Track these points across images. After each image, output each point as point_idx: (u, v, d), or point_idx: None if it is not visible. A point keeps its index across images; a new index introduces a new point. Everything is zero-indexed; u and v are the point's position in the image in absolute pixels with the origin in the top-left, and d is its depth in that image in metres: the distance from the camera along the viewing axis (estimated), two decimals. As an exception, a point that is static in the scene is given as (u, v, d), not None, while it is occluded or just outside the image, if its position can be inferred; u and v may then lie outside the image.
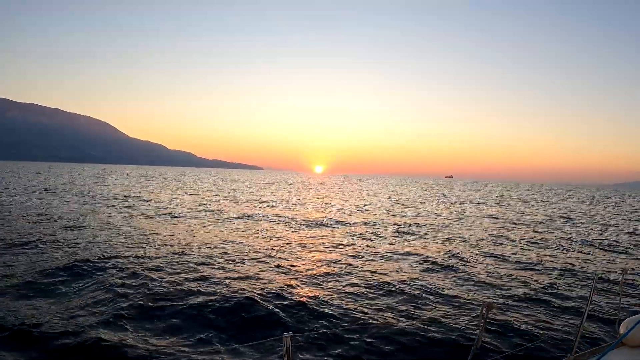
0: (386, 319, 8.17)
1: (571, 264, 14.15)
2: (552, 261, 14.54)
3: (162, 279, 10.17)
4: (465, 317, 8.34)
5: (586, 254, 16.58)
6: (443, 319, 8.17)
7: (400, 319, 8.26)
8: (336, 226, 22.32)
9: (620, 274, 4.99)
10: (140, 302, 8.53)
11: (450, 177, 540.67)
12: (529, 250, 16.97)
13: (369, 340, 7.11)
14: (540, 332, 7.73)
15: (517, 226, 25.51)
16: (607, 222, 30.43)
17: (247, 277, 10.76)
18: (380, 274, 11.78)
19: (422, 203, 43.31)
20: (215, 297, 9.02)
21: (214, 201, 34.84)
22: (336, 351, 6.73)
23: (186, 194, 42.41)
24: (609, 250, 17.63)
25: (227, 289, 9.58)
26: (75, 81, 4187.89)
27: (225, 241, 15.90)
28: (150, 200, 32.46)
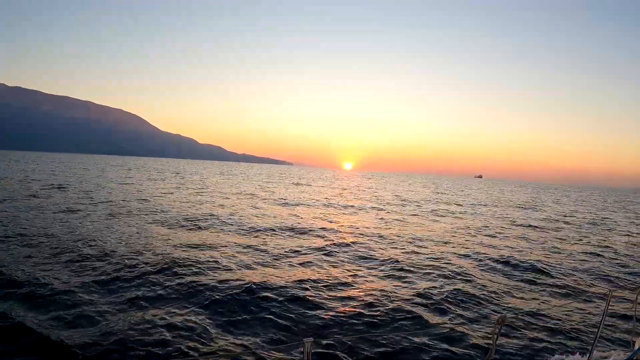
0: (403, 329, 8.32)
1: (588, 275, 14.25)
2: (568, 271, 14.47)
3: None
4: (479, 330, 8.45)
5: (604, 262, 16.53)
6: (457, 332, 8.30)
7: (417, 330, 8.39)
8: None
9: (636, 291, 5.13)
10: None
11: (480, 176, 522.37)
12: (549, 256, 16.83)
13: (385, 348, 7.30)
14: (554, 347, 7.87)
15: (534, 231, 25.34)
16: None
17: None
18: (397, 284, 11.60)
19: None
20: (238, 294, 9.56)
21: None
22: (355, 358, 6.85)
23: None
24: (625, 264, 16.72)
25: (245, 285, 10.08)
26: (107, 75, 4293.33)
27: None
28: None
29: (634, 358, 4.09)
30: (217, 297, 9.24)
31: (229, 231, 17.75)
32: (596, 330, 4.24)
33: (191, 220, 19.59)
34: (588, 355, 4.05)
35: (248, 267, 11.93)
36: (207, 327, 7.66)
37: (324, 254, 14.39)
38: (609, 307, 4.39)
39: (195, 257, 12.48)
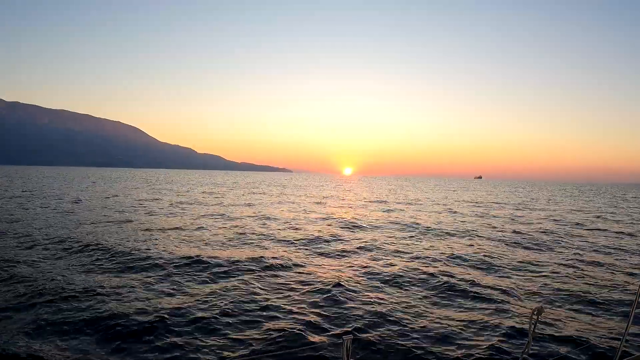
0: (439, 323, 8.33)
1: (618, 266, 14.49)
2: (599, 263, 14.77)
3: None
4: (516, 321, 8.50)
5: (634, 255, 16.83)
6: (494, 323, 8.35)
7: (452, 322, 8.40)
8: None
9: None
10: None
11: (480, 177, 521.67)
12: (577, 251, 17.38)
13: (423, 342, 7.40)
14: (588, 336, 7.91)
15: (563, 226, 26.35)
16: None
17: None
18: (434, 275, 12.21)
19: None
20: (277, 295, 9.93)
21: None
22: (395, 354, 6.95)
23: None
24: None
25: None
26: (105, 87, 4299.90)
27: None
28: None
29: None
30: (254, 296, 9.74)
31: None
32: (628, 318, 3.82)
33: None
34: (619, 347, 3.87)
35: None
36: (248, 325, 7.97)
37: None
38: None
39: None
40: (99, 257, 12.97)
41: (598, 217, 33.56)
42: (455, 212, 33.93)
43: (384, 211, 33.39)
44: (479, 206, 42.03)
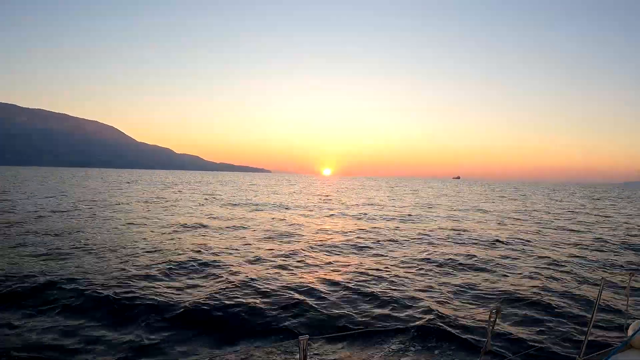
0: (397, 323, 8.27)
1: (579, 264, 14.39)
2: (561, 263, 14.43)
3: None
4: (474, 321, 8.41)
5: (595, 254, 16.59)
6: (452, 323, 8.24)
7: (411, 322, 8.31)
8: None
9: (628, 276, 5.08)
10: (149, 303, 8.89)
11: (458, 177, 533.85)
12: (537, 250, 17.12)
13: (381, 342, 7.36)
14: (549, 335, 7.86)
15: (520, 224, 26.76)
16: (612, 221, 30.88)
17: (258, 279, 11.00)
18: (393, 277, 11.85)
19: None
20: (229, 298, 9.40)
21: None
22: (351, 354, 6.87)
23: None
24: (617, 252, 17.50)
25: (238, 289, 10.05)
26: (83, 86, 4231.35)
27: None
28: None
29: (629, 343, 4.01)
30: (209, 296, 9.38)
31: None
32: (590, 316, 4.19)
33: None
34: (583, 343, 4.03)
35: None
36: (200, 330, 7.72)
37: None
38: (603, 291, 4.22)
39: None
40: None
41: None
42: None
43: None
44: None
